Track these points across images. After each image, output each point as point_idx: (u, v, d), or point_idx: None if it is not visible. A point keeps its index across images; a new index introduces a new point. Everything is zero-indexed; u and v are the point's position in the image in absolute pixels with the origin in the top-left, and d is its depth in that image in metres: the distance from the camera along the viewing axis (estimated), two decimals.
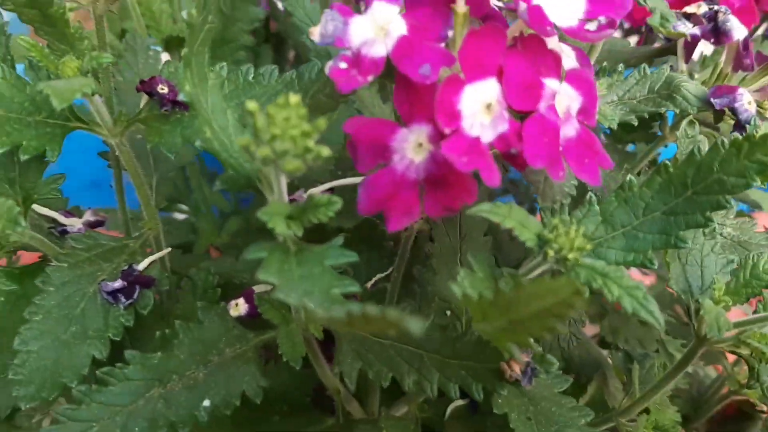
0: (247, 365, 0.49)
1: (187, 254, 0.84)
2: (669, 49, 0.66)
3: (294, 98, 0.36)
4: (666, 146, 0.70)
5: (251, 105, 0.36)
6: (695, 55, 0.66)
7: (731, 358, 0.77)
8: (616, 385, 0.69)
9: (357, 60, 0.42)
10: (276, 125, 0.36)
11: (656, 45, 0.71)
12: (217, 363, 0.49)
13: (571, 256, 0.41)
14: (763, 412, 0.79)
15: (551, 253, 0.41)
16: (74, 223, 0.61)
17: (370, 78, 0.41)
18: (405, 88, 0.41)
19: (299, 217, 0.40)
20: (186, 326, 0.49)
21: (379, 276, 0.66)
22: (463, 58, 0.40)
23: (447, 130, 0.39)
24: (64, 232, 0.60)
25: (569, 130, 0.43)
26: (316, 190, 0.63)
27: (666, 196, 0.46)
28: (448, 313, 0.60)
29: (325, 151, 0.36)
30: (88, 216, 0.62)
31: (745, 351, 0.47)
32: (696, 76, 0.63)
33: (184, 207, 1.02)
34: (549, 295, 0.32)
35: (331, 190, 0.62)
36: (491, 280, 0.41)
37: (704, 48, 0.69)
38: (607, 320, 0.99)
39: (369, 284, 0.62)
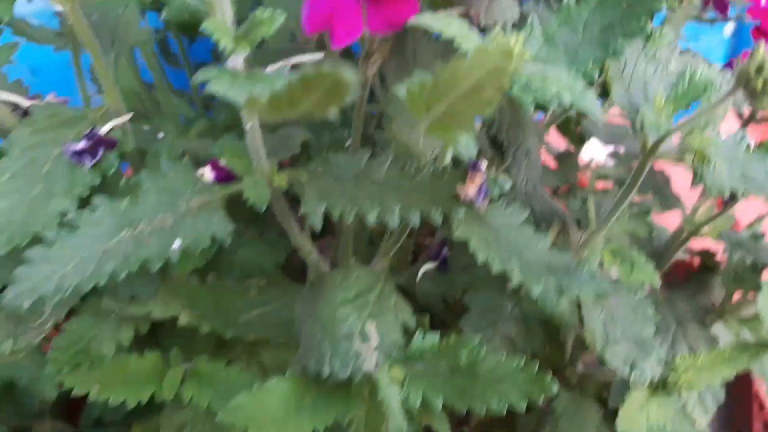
0: (216, 212, 0.51)
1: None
2: None
3: None
4: None
5: None
6: None
7: (688, 207, 0.80)
8: (577, 237, 0.71)
9: None
10: None
11: None
12: (184, 211, 0.50)
13: None
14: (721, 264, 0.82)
15: None
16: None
17: None
18: None
19: (245, 36, 0.41)
20: (151, 175, 0.50)
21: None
22: None
23: None
24: (25, 114, 0.60)
25: None
26: (275, 66, 0.64)
27: (603, 10, 0.48)
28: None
29: None
30: (50, 99, 0.62)
31: (689, 158, 0.49)
32: None
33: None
34: (483, 64, 0.34)
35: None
36: None
37: None
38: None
39: None
